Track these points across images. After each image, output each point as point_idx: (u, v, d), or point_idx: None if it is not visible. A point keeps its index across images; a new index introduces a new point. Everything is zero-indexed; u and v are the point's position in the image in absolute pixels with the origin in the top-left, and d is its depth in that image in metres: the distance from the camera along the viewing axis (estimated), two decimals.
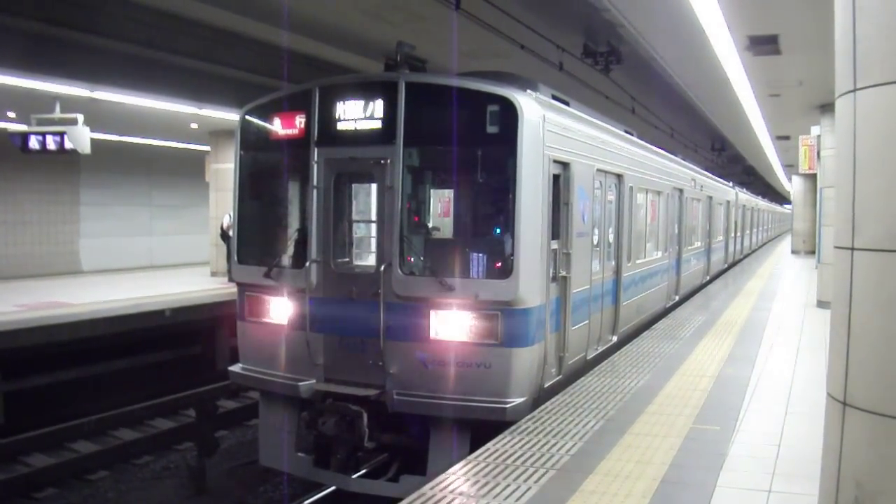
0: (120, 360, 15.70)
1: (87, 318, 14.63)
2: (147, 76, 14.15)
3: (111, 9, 12.02)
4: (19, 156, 15.31)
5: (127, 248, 25.36)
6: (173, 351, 16.96)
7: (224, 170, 21.30)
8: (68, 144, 14.51)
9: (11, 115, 17.13)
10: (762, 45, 11.59)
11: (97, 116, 15.80)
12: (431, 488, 5.70)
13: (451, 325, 7.85)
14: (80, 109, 14.72)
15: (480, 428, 7.64)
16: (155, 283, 19.92)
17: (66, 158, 17.60)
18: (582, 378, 9.32)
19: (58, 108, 14.79)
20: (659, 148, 16.34)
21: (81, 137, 14.60)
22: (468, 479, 5.88)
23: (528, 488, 5.65)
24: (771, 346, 11.71)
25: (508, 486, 5.70)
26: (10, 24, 11.70)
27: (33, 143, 14.59)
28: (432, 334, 7.91)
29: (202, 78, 15.12)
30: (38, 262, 22.24)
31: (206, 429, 11.48)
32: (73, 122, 14.60)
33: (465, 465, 6.23)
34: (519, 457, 6.38)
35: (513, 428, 7.24)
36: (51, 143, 14.57)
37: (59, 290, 17.97)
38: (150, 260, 26.26)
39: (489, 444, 6.76)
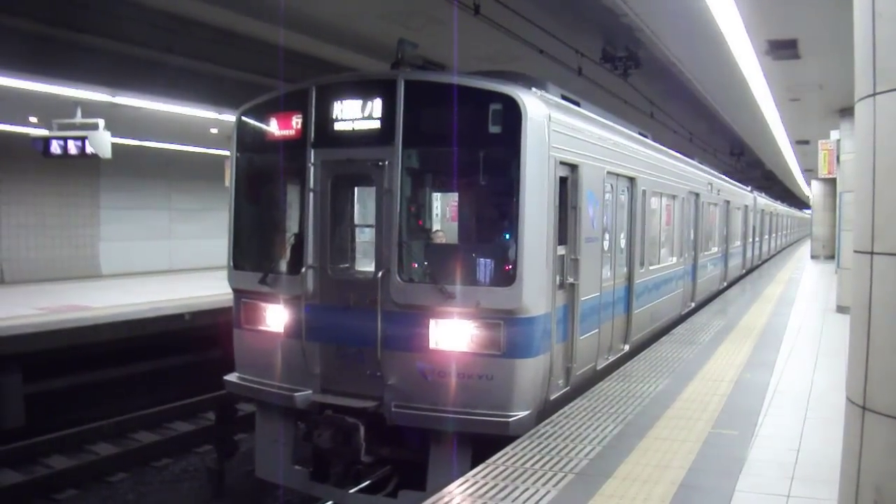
0: (140, 363, 15.78)
1: (107, 322, 14.69)
2: (167, 81, 14.25)
3: (131, 14, 12.11)
4: (39, 159, 15.43)
5: (146, 251, 25.41)
6: (193, 354, 17.02)
7: None
8: (89, 149, 14.61)
9: (33, 119, 17.27)
10: (781, 49, 11.54)
11: (118, 121, 15.92)
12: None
13: (452, 334, 7.51)
14: (100, 114, 14.84)
15: (482, 442, 7.32)
16: (174, 287, 19.98)
17: (86, 162, 17.74)
18: (600, 383, 9.25)
19: (79, 114, 14.90)
20: (675, 151, 16.22)
21: (102, 142, 14.70)
22: (481, 487, 5.87)
23: (548, 492, 5.65)
24: (790, 352, 11.65)
25: (527, 489, 5.71)
26: (36, 30, 11.84)
27: (55, 147, 14.70)
28: (432, 344, 7.58)
29: (222, 83, 15.20)
30: (58, 266, 22.31)
31: (225, 432, 11.53)
32: (95, 126, 14.70)
33: (483, 469, 6.21)
34: (538, 461, 6.38)
35: (531, 432, 7.19)
36: (72, 148, 14.66)
37: (79, 294, 18.06)
38: (170, 263, 26.30)
39: (507, 448, 6.70)
